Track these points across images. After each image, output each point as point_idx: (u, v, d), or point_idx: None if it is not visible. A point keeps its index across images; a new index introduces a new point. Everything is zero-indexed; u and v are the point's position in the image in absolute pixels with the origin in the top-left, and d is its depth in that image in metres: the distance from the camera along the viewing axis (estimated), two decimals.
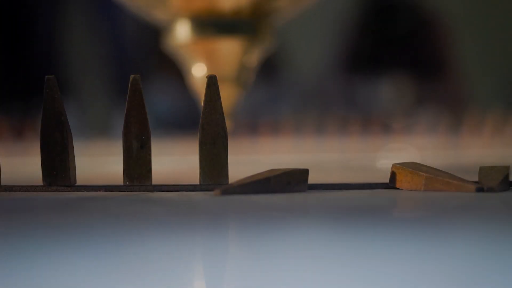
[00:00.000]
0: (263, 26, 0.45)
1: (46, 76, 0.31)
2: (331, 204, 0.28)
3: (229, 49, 0.45)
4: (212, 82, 0.31)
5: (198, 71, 0.45)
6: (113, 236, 0.21)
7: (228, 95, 0.45)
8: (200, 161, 0.31)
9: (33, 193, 0.31)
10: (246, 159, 0.65)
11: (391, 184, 0.32)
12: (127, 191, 0.31)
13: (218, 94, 0.31)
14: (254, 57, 0.46)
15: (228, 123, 0.44)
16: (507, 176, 0.31)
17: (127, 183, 0.31)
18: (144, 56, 1.65)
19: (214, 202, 0.28)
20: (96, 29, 1.61)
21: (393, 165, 0.32)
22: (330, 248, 0.19)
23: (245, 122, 0.89)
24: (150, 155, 0.31)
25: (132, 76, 0.31)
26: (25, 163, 0.60)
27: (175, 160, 0.65)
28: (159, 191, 0.31)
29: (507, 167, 0.32)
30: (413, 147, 0.76)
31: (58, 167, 0.31)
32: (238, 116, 0.47)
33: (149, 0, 0.45)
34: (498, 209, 0.26)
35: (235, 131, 0.85)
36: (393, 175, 0.32)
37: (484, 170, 0.32)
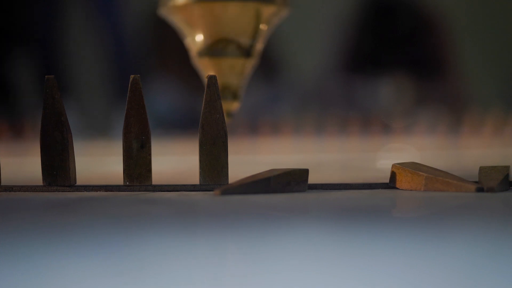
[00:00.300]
0: None
1: (46, 76, 0.31)
2: (331, 204, 0.28)
3: (238, 14, 0.40)
4: (212, 82, 0.31)
5: (199, 38, 0.41)
6: (113, 236, 0.21)
7: (238, 65, 0.41)
8: (200, 161, 0.31)
9: (33, 193, 0.31)
10: (246, 159, 0.65)
11: (391, 184, 0.32)
12: (127, 191, 0.31)
13: (218, 94, 0.31)
14: (266, 24, 0.42)
15: (234, 105, 0.43)
16: (507, 176, 0.31)
17: (127, 183, 0.31)
18: (144, 55, 1.65)
19: (214, 202, 0.28)
20: (96, 29, 1.61)
21: (393, 165, 0.32)
22: (330, 248, 0.19)
23: (245, 122, 0.89)
24: (150, 155, 0.31)
25: (132, 76, 0.31)
26: (25, 163, 0.60)
27: (175, 160, 0.65)
28: (159, 191, 0.31)
29: (507, 167, 0.32)
30: (413, 147, 0.76)
31: (58, 167, 0.31)
32: (244, 95, 0.44)
33: None
34: (498, 209, 0.26)
35: (235, 131, 0.86)
36: (393, 175, 0.32)
37: (484, 170, 0.32)
